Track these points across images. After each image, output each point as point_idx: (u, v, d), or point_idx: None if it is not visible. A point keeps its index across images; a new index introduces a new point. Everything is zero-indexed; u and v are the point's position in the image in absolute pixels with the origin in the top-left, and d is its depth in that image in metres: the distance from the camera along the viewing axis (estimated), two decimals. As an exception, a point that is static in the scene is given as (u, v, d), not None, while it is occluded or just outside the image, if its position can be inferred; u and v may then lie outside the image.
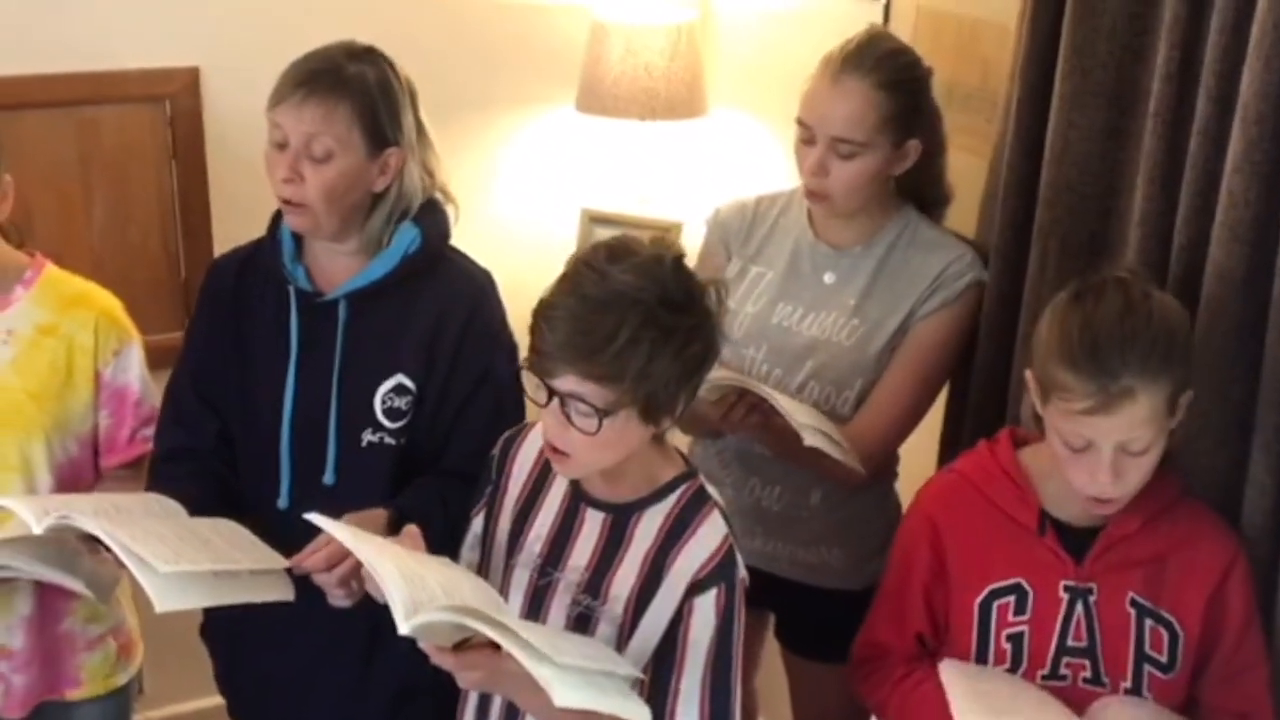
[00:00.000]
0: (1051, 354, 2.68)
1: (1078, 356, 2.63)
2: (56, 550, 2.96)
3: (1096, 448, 2.65)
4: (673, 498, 2.71)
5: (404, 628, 2.36)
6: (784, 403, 3.12)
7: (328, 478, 3.11)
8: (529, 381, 2.58)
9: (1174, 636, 2.80)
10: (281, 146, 3.02)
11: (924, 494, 3.06)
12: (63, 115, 4.28)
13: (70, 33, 4.25)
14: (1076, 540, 2.84)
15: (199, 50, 4.39)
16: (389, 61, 3.10)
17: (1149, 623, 2.80)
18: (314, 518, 2.64)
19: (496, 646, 2.41)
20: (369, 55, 3.08)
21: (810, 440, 3.07)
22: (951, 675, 2.82)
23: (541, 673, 2.32)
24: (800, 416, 3.11)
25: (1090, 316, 2.66)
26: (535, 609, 2.76)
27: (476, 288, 3.20)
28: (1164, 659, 2.80)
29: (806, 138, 3.32)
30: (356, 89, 3.00)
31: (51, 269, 3.29)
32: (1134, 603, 2.80)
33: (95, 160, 4.36)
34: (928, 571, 2.96)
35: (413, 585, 2.42)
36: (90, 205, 4.37)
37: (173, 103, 4.40)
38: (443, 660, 2.49)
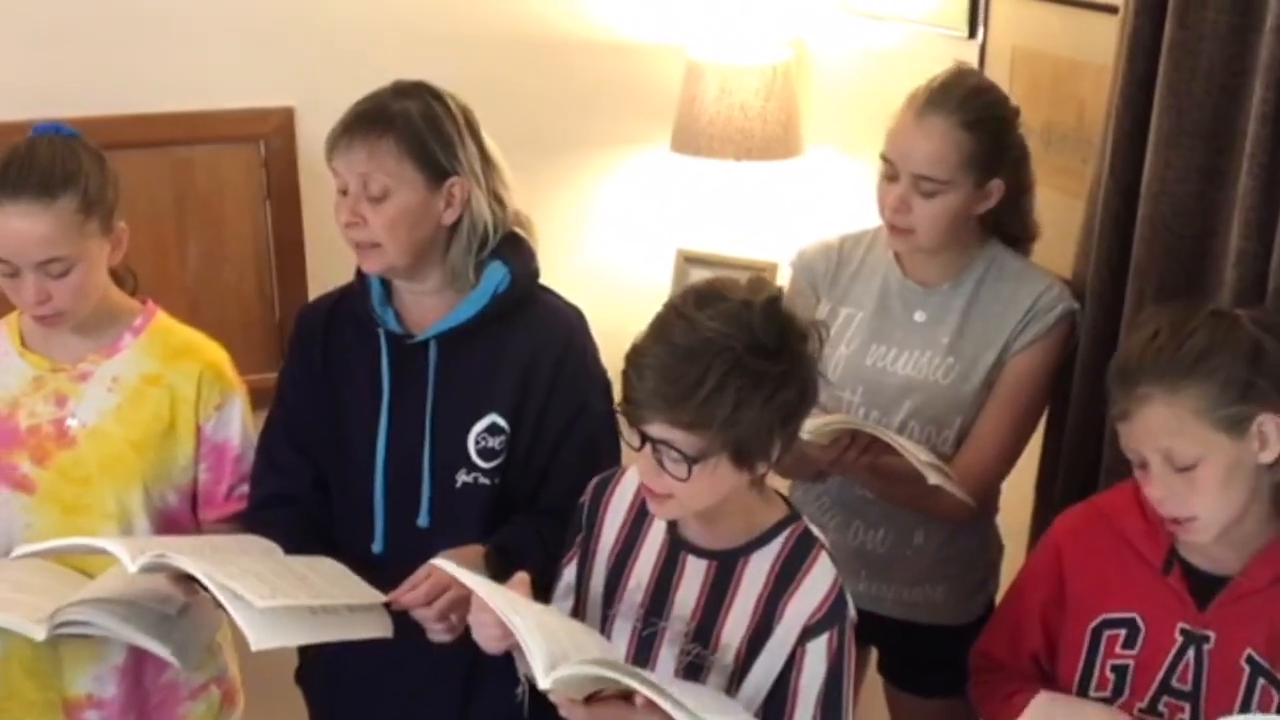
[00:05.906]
0: None
1: (1113, 369, 2.69)
2: (148, 614, 2.97)
3: (1149, 463, 2.64)
4: (778, 541, 2.68)
5: (544, 682, 2.37)
6: (902, 442, 3.12)
7: (422, 520, 3.11)
8: (625, 425, 2.58)
9: None
10: (344, 193, 3.04)
11: (1058, 522, 3.02)
12: (158, 155, 4.34)
13: (165, 73, 4.31)
14: (1206, 586, 2.76)
15: (294, 90, 4.44)
16: (436, 93, 3.09)
17: (1261, 682, 2.70)
18: (444, 564, 2.68)
19: (626, 697, 2.42)
20: (414, 90, 3.08)
21: (934, 479, 3.06)
22: (1037, 703, 2.77)
23: None
24: (921, 455, 3.10)
25: (1136, 339, 2.69)
26: (642, 659, 2.73)
27: (568, 325, 3.20)
28: None
29: (890, 174, 3.31)
30: (400, 123, 3.00)
31: (162, 318, 3.30)
32: (1250, 660, 2.71)
33: (190, 200, 4.41)
34: (1047, 596, 2.93)
35: (549, 638, 2.43)
36: (185, 246, 4.43)
37: (267, 143, 4.46)
38: (573, 712, 2.50)
